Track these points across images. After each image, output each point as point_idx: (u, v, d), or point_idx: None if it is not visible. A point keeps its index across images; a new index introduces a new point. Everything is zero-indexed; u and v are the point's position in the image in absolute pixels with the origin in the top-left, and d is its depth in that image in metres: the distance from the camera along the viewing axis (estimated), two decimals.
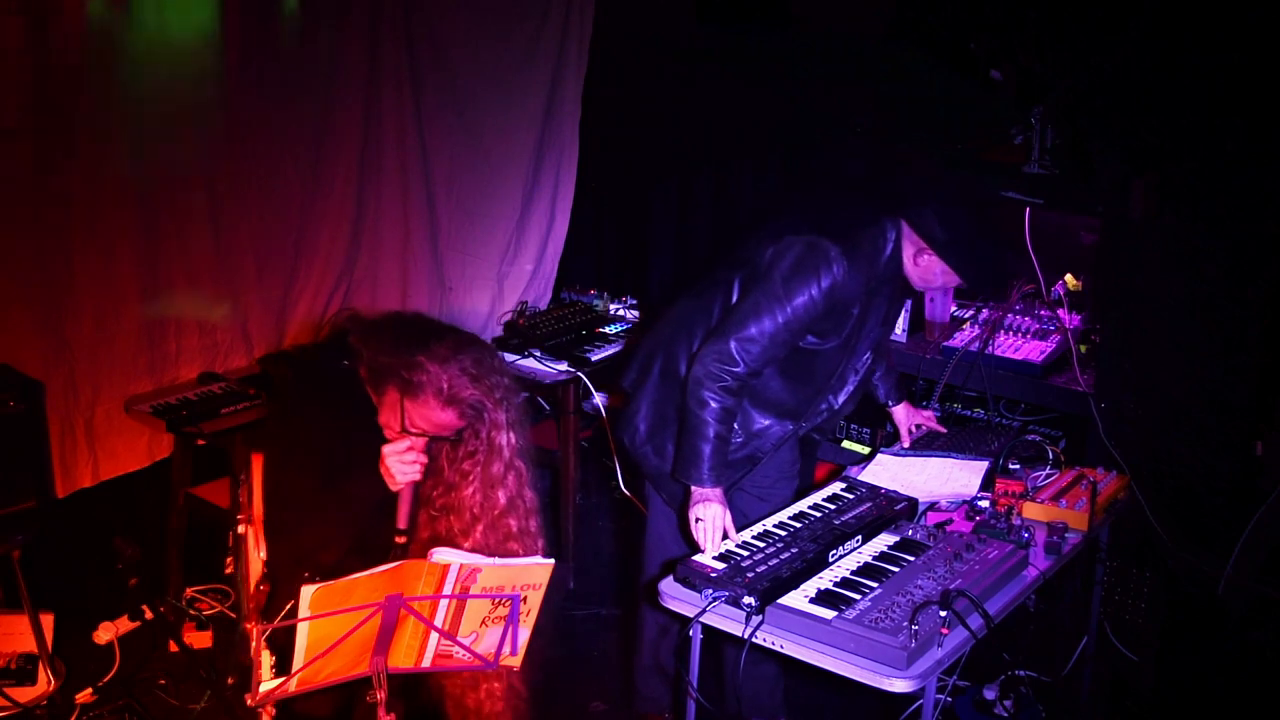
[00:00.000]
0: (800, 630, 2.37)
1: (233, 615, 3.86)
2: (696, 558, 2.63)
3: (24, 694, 3.32)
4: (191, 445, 3.83)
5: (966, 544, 2.68)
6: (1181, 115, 3.32)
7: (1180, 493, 3.43)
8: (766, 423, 3.04)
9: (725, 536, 2.75)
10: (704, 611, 2.49)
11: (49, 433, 3.66)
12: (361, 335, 2.55)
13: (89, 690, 3.51)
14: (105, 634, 3.72)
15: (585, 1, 4.84)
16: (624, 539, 4.71)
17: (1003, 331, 3.82)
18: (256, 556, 2.63)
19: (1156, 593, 3.52)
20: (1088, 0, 3.47)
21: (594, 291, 4.96)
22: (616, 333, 4.59)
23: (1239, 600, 3.34)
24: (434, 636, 2.30)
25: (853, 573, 2.57)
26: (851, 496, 2.94)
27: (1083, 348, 3.69)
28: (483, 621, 2.31)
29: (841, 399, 3.11)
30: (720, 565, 2.57)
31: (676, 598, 2.56)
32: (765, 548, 2.64)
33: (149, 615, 3.69)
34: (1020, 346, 3.74)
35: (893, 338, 3.67)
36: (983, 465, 3.14)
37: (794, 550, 2.61)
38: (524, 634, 2.36)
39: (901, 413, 3.40)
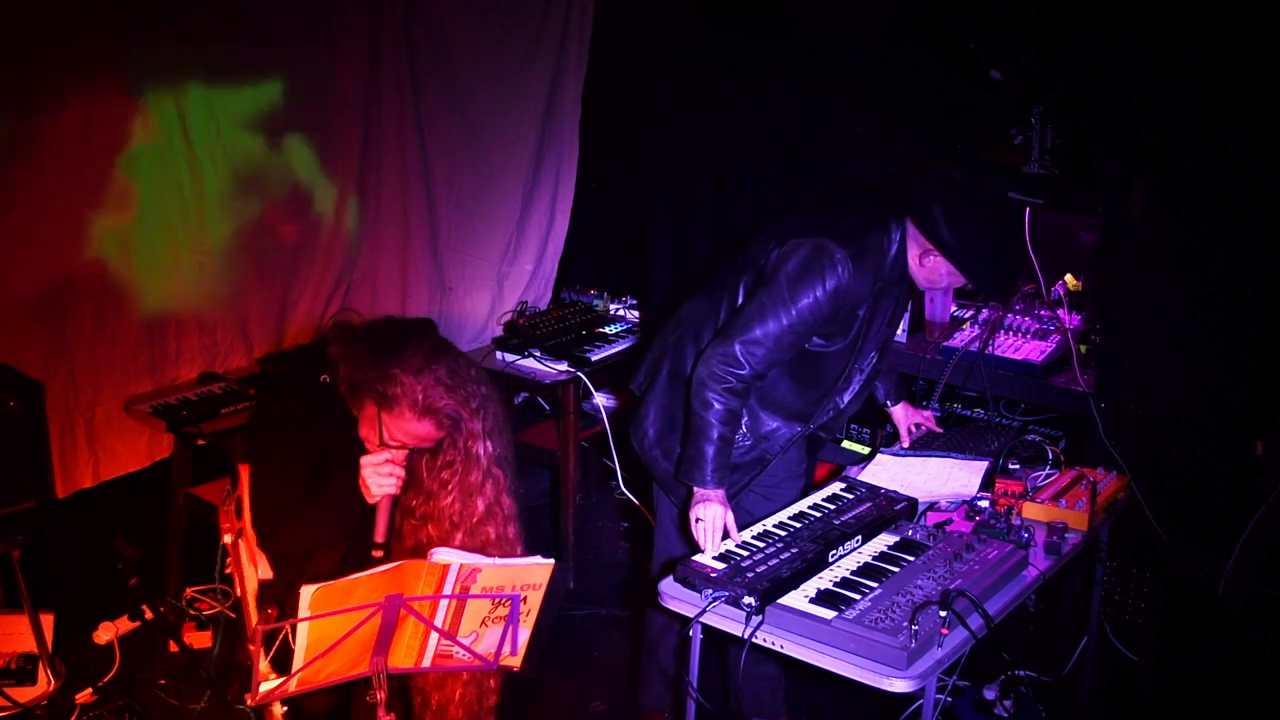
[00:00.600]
0: (800, 630, 2.37)
1: (233, 615, 3.86)
2: (696, 558, 2.63)
3: (24, 694, 3.32)
4: (191, 445, 3.83)
5: (966, 544, 2.68)
6: (1181, 115, 3.32)
7: (1180, 493, 3.43)
8: (775, 425, 3.03)
9: (726, 536, 2.74)
10: (704, 612, 2.49)
11: (49, 433, 3.67)
12: (340, 347, 2.55)
13: (89, 690, 3.51)
14: (105, 634, 3.72)
15: (585, 1, 4.84)
16: (624, 539, 4.71)
17: (1003, 331, 3.82)
18: (252, 573, 2.63)
19: (1156, 593, 3.52)
20: (1087, 0, 3.47)
21: (594, 291, 4.95)
22: (616, 333, 4.59)
23: (1239, 600, 3.34)
24: (434, 636, 2.29)
25: (853, 573, 2.57)
26: (851, 496, 2.94)
27: (1083, 348, 3.69)
28: (483, 621, 2.30)
29: (847, 398, 3.11)
30: (720, 565, 2.57)
31: (676, 598, 2.56)
32: (765, 548, 2.64)
33: (149, 615, 3.69)
34: (1020, 346, 3.74)
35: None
36: (982, 465, 3.14)
37: (794, 550, 2.61)
38: (524, 634, 2.36)
39: (900, 412, 3.39)
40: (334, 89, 4.37)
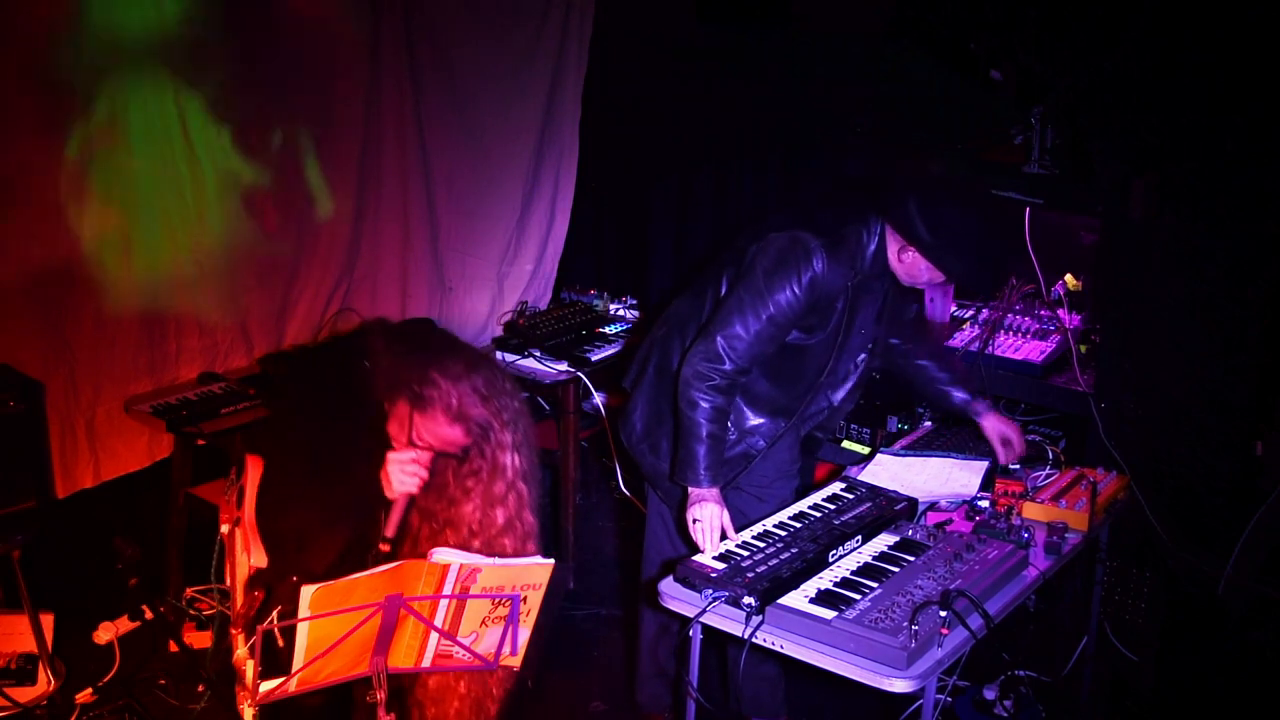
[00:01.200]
0: (800, 630, 2.37)
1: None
2: (696, 558, 2.63)
3: (24, 694, 3.32)
4: (191, 445, 3.83)
5: (966, 544, 2.68)
6: (1181, 115, 3.32)
7: (1180, 493, 3.43)
8: (760, 421, 3.04)
9: (724, 536, 2.74)
10: (704, 612, 2.48)
11: (49, 433, 3.67)
12: (385, 341, 2.58)
13: (89, 690, 3.51)
14: (105, 634, 3.72)
15: (585, 1, 4.84)
16: (624, 539, 4.71)
17: (1003, 331, 3.82)
18: (245, 560, 2.63)
19: (1156, 593, 3.52)
20: (1087, 0, 3.47)
21: (594, 291, 4.95)
22: (616, 333, 4.59)
23: (1239, 600, 3.34)
24: (434, 636, 2.29)
25: (853, 573, 2.57)
26: (851, 496, 2.94)
27: (1083, 348, 3.69)
28: (483, 621, 2.31)
29: (840, 396, 3.10)
30: (720, 565, 2.57)
31: (676, 598, 2.56)
32: (765, 548, 2.64)
33: (149, 615, 3.69)
34: (1020, 346, 3.74)
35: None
36: (983, 465, 3.13)
37: (794, 550, 2.61)
38: (524, 634, 2.36)
39: (990, 425, 3.15)
40: (334, 89, 4.38)
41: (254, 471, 2.66)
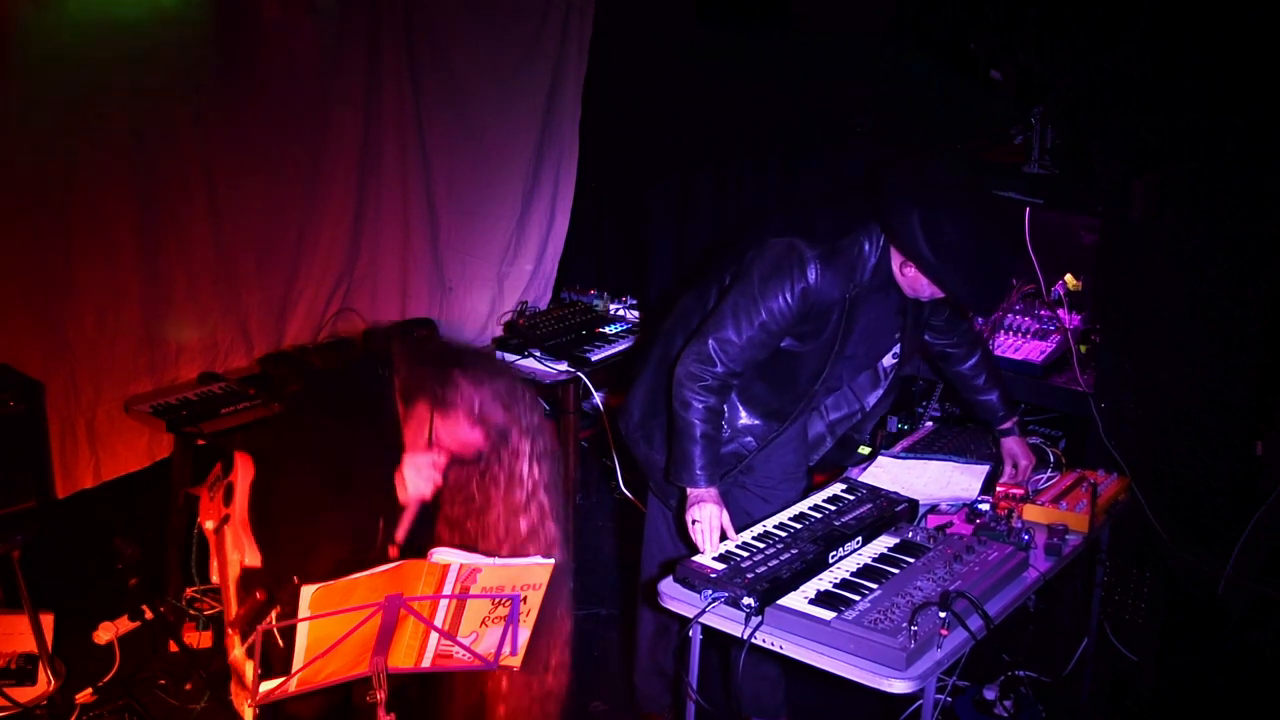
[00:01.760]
0: (800, 631, 2.37)
1: None
2: (696, 558, 2.63)
3: (24, 694, 3.32)
4: (191, 445, 3.83)
5: (966, 546, 2.68)
6: (1181, 115, 3.32)
7: (1180, 493, 3.43)
8: (752, 421, 3.04)
9: (724, 536, 2.74)
10: (703, 612, 2.49)
11: (49, 433, 3.67)
12: (404, 346, 2.60)
13: (89, 690, 3.51)
14: (105, 634, 3.72)
15: (585, 1, 4.84)
16: (624, 539, 4.71)
17: (1003, 331, 3.82)
18: (236, 559, 2.63)
19: (1156, 593, 3.52)
20: (1087, 0, 3.47)
21: (594, 291, 4.96)
22: (616, 333, 4.59)
23: (1239, 600, 3.34)
24: (434, 636, 2.30)
25: (852, 574, 2.57)
26: (852, 498, 2.94)
27: (1083, 348, 3.69)
28: (483, 621, 2.31)
29: (872, 401, 3.12)
30: (720, 566, 2.57)
31: (676, 598, 2.56)
32: (765, 548, 2.64)
33: (149, 615, 3.69)
34: (1020, 346, 3.74)
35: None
36: (983, 469, 3.13)
37: (794, 551, 2.61)
38: (524, 634, 2.37)
39: (1009, 446, 3.18)
40: (334, 88, 4.37)
41: (244, 469, 2.66)
